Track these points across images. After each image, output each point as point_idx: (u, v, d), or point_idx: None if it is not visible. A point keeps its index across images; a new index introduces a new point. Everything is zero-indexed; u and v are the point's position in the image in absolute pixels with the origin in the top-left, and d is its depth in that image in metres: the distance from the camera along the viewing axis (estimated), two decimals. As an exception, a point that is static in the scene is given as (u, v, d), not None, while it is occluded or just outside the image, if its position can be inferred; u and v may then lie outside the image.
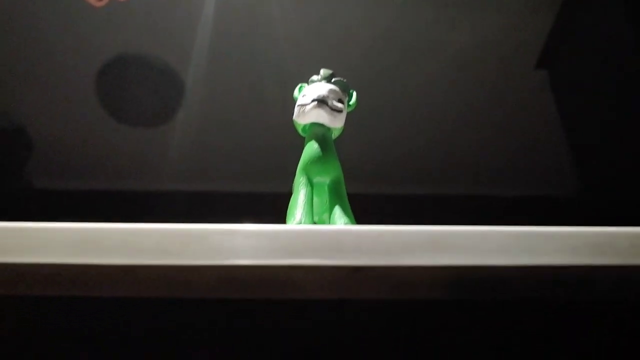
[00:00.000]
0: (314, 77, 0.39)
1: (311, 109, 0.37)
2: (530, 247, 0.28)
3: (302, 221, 0.33)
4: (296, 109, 0.39)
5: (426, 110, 1.22)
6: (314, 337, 0.31)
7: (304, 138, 0.39)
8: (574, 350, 0.32)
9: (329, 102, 0.37)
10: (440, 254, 0.28)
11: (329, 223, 0.35)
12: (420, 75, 1.10)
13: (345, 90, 0.39)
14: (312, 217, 0.34)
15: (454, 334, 0.31)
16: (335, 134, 0.39)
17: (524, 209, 1.33)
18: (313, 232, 0.30)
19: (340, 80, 0.39)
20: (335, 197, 0.36)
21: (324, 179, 0.36)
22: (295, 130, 0.41)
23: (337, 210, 0.35)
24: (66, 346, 0.29)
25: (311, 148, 0.37)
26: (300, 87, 0.40)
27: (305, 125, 0.39)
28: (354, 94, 0.40)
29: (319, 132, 0.38)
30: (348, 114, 0.41)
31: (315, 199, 0.36)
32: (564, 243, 0.28)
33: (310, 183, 0.36)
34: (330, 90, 0.38)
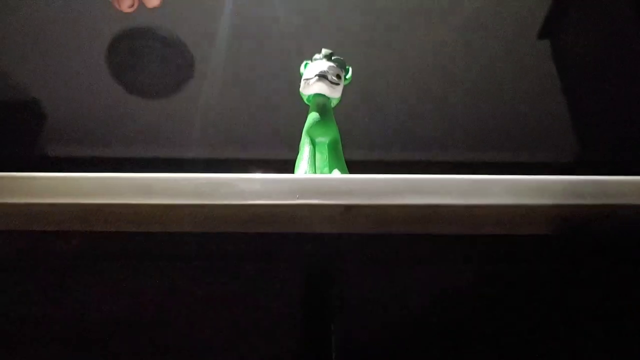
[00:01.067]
0: (317, 56, 0.48)
1: (314, 82, 0.46)
2: (482, 190, 0.37)
3: (307, 172, 0.42)
4: (302, 82, 0.47)
5: (429, 79, 1.28)
6: (316, 265, 0.40)
7: (308, 106, 0.48)
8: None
9: (329, 77, 0.46)
10: (413, 196, 0.37)
11: (327, 173, 0.44)
12: (424, 45, 1.16)
13: (342, 66, 0.48)
14: (315, 169, 0.43)
15: (427, 265, 0.39)
16: (333, 103, 0.48)
17: (523, 174, 1.38)
18: (314, 179, 0.38)
19: (338, 58, 0.48)
20: (333, 154, 0.44)
21: (324, 139, 0.45)
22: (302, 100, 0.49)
23: (335, 164, 0.44)
24: (127, 268, 0.38)
25: (314, 114, 0.46)
26: (305, 64, 0.49)
27: (309, 96, 0.47)
28: (350, 69, 0.49)
29: (321, 102, 0.46)
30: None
31: (317, 154, 0.45)
32: (507, 186, 0.37)
33: (313, 142, 0.45)
34: (330, 67, 0.47)
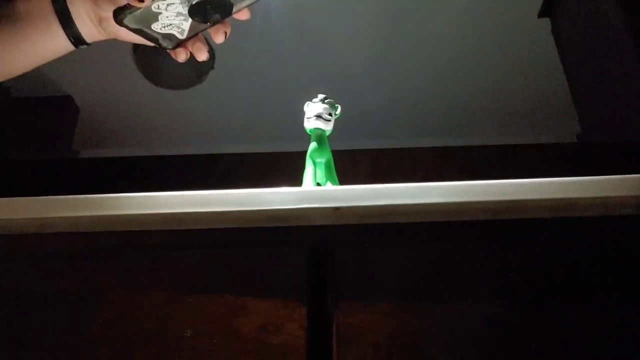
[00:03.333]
0: (314, 100, 0.68)
1: (313, 120, 0.66)
2: (424, 194, 0.56)
3: (309, 185, 0.62)
4: (305, 119, 0.67)
5: (433, 59, 1.46)
6: (316, 246, 0.59)
7: (309, 135, 0.68)
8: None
9: (323, 116, 0.66)
10: (379, 199, 0.56)
11: (324, 185, 0.64)
12: (428, 26, 1.33)
13: (332, 107, 0.68)
14: (315, 181, 0.63)
15: (392, 246, 0.59)
16: (327, 133, 0.68)
17: (526, 153, 1.52)
18: (314, 190, 0.58)
19: (330, 101, 0.67)
20: (327, 170, 0.65)
21: (321, 160, 0.66)
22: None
23: (328, 178, 0.64)
24: (192, 254, 0.58)
25: (314, 143, 0.66)
26: (307, 104, 0.69)
27: (310, 129, 0.67)
28: (339, 107, 0.69)
29: (318, 133, 0.67)
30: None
31: (317, 170, 0.65)
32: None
33: (314, 162, 0.65)
34: (324, 108, 0.67)
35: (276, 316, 0.53)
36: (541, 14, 1.56)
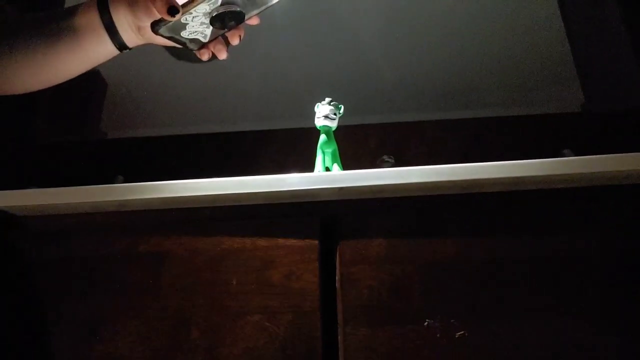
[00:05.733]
0: (322, 102, 0.86)
1: (322, 119, 0.85)
2: (399, 176, 0.75)
3: (320, 170, 0.82)
4: (315, 118, 0.86)
5: (437, 35, 1.56)
6: (326, 216, 0.78)
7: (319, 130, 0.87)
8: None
9: (330, 116, 0.84)
10: (372, 180, 0.75)
11: (331, 170, 0.83)
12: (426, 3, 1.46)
13: (337, 107, 0.86)
14: (324, 166, 0.83)
15: (378, 215, 0.78)
16: (333, 129, 0.87)
17: (532, 124, 1.54)
18: (323, 175, 0.78)
19: (335, 103, 0.86)
20: (333, 158, 0.84)
21: (329, 150, 0.85)
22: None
23: (334, 164, 0.83)
24: (237, 225, 0.77)
25: (323, 136, 0.85)
26: (317, 105, 0.87)
27: (320, 126, 0.86)
28: (342, 107, 0.87)
29: (326, 129, 0.85)
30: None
31: (326, 158, 0.84)
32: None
33: (323, 152, 0.84)
34: (330, 109, 0.85)
35: (297, 268, 0.73)
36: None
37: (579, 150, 1.32)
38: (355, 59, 1.56)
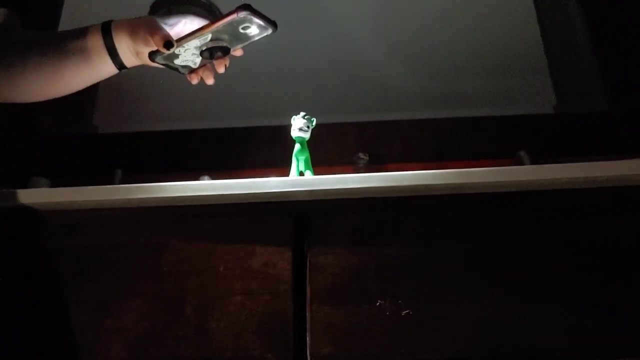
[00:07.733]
0: (297, 116, 1.01)
1: (297, 131, 0.99)
2: (376, 180, 0.89)
3: (295, 175, 0.96)
4: (291, 129, 1.00)
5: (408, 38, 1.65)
6: (299, 214, 0.92)
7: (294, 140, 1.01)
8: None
9: (303, 128, 0.99)
10: (337, 184, 0.89)
11: (305, 174, 0.98)
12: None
13: (309, 120, 1.00)
14: (298, 172, 0.97)
15: (344, 213, 0.93)
16: (306, 139, 1.01)
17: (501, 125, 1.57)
18: (297, 179, 0.92)
19: (308, 116, 1.00)
20: (306, 165, 0.99)
21: (302, 157, 0.99)
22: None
23: (307, 170, 0.98)
24: (234, 220, 0.91)
25: (297, 145, 1.00)
26: (293, 118, 1.01)
27: (295, 137, 1.00)
28: (314, 120, 1.01)
29: (300, 139, 1.00)
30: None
31: (300, 164, 0.99)
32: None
33: (297, 159, 0.99)
34: (304, 123, 0.99)
35: (273, 257, 0.87)
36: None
37: (545, 151, 1.45)
38: (339, 59, 1.66)
